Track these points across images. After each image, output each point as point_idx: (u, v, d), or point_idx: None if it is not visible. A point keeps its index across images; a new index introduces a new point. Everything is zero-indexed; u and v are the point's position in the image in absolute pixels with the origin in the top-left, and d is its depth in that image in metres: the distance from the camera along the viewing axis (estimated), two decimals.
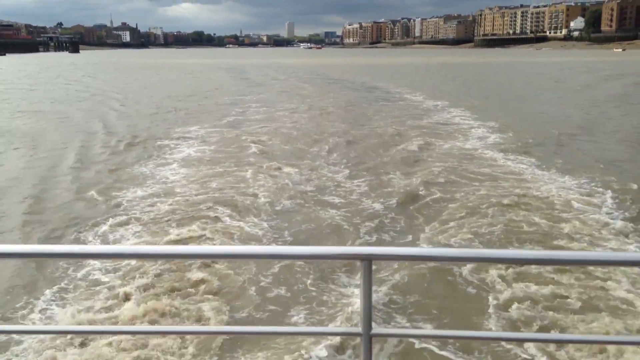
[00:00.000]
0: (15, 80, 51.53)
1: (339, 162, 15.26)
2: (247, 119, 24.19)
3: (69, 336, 6.25)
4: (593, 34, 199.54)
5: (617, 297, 7.13)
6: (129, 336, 6.18)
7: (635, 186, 12.11)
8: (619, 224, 9.86)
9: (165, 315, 6.86)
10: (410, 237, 9.60)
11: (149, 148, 17.58)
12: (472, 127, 21.31)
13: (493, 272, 7.77)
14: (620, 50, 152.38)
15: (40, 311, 7.10)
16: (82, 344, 6.19)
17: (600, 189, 12.05)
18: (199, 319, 6.83)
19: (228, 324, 6.74)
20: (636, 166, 15.03)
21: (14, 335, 6.26)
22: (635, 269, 7.52)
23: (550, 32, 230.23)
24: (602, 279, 7.54)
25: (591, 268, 7.70)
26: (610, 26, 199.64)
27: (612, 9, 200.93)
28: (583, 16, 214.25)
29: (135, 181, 13.43)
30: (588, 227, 9.71)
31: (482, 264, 7.70)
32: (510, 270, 7.82)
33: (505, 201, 11.11)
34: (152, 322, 6.66)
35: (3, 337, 6.27)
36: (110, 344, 6.13)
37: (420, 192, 12.09)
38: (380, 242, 9.40)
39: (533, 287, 7.42)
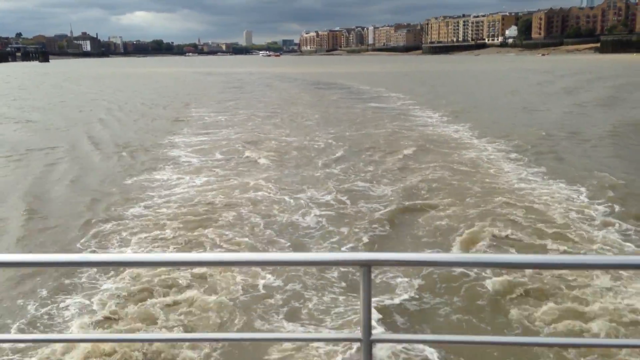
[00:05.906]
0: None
1: (334, 171, 15.33)
2: (240, 121, 26.06)
3: (59, 344, 6.21)
4: (525, 41, 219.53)
5: (619, 301, 7.13)
6: (124, 344, 6.15)
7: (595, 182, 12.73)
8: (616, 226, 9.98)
9: (162, 323, 6.85)
10: (409, 243, 9.61)
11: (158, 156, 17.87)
12: (463, 133, 21.61)
13: (493, 277, 7.76)
14: (540, 55, 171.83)
15: (32, 320, 7.10)
16: (71, 349, 6.16)
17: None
18: (198, 327, 6.79)
19: (227, 331, 6.73)
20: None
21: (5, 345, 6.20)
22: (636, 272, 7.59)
23: (488, 40, 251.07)
24: (594, 283, 7.54)
25: (567, 273, 7.67)
26: (540, 33, 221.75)
27: (540, 18, 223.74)
28: (517, 25, 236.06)
29: (134, 185, 13.80)
30: (580, 230, 9.75)
31: (481, 268, 7.69)
32: (509, 274, 7.78)
33: (505, 207, 11.16)
34: (143, 330, 6.62)
35: None
36: (103, 351, 6.11)
37: (419, 198, 12.16)
38: (379, 248, 9.35)
39: (532, 291, 7.41)
